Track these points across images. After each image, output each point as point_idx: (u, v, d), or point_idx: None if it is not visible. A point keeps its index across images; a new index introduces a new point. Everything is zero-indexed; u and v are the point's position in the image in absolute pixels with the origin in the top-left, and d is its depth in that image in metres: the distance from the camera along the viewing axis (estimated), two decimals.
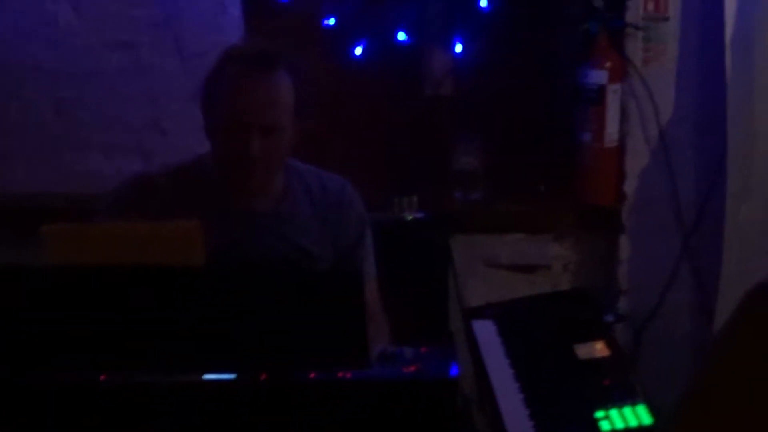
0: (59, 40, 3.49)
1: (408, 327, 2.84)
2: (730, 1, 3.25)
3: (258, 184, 2.63)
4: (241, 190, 2.65)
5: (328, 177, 2.80)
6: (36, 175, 3.57)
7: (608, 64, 3.47)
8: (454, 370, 1.91)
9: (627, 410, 2.30)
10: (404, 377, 1.89)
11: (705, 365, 1.06)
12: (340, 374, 1.86)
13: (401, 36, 3.55)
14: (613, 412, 2.30)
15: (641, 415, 2.29)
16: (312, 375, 1.87)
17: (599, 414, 2.30)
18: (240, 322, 1.84)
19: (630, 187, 3.58)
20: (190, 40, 3.51)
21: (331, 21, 3.55)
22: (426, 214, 3.39)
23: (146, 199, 2.60)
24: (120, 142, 3.56)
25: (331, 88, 3.65)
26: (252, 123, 2.53)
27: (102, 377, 1.85)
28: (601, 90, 3.47)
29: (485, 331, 2.73)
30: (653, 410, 2.29)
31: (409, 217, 3.37)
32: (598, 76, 3.47)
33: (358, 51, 3.55)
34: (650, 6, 3.49)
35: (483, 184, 3.64)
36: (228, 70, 2.59)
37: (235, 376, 1.87)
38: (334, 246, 2.73)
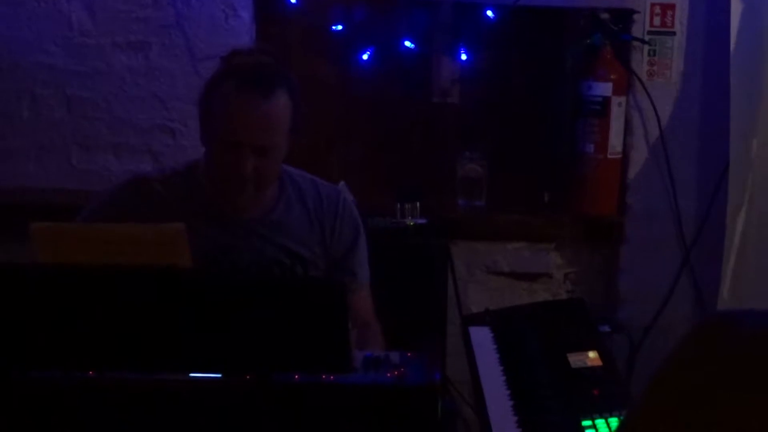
0: (71, 39, 3.52)
1: (405, 331, 2.86)
2: (736, 16, 3.27)
3: (249, 199, 2.60)
4: (232, 203, 2.62)
5: (322, 183, 2.78)
6: (46, 171, 3.60)
7: (613, 77, 3.50)
8: (436, 376, 1.93)
9: (613, 421, 2.30)
10: (386, 382, 1.90)
11: (652, 388, 1.08)
12: (323, 377, 1.89)
13: (408, 44, 3.59)
14: (600, 422, 2.30)
15: None
16: (296, 377, 1.89)
17: (586, 423, 2.30)
18: (226, 323, 1.86)
19: (632, 198, 3.61)
20: (200, 42, 3.53)
21: (339, 27, 3.59)
22: (427, 220, 3.41)
23: (140, 201, 2.59)
24: (129, 141, 3.59)
25: (337, 93, 3.68)
26: (247, 143, 2.49)
27: (90, 374, 1.88)
28: (606, 102, 3.50)
29: (481, 337, 2.74)
30: None
31: (411, 223, 3.39)
32: (603, 89, 3.50)
33: (365, 57, 3.59)
34: (656, 20, 3.51)
35: (486, 192, 3.65)
36: (225, 87, 2.52)
37: (221, 375, 1.89)
38: (328, 251, 2.71)
